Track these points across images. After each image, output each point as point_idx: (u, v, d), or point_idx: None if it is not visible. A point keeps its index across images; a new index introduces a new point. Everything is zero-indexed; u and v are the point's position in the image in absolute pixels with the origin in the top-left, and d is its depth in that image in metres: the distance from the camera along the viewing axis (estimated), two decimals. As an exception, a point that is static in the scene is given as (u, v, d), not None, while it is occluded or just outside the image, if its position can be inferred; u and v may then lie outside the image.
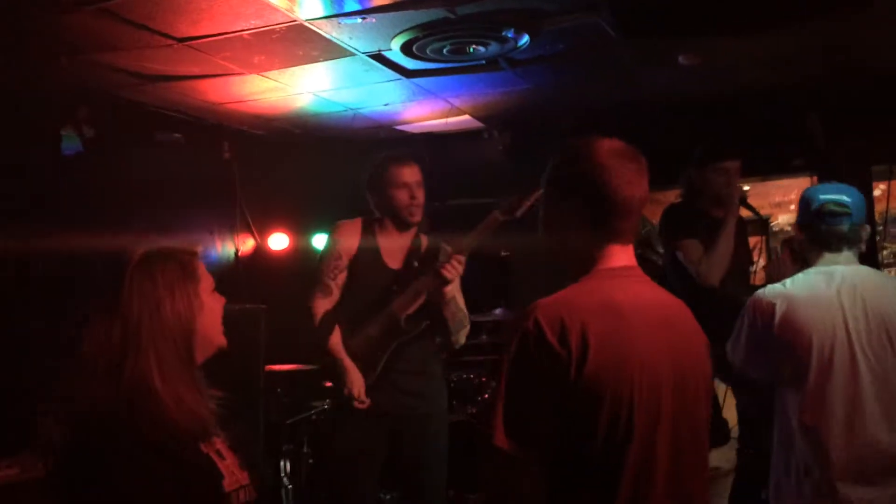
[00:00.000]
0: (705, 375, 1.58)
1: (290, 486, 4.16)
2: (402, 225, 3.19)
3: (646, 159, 1.60)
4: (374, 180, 3.21)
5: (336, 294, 3.14)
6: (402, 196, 3.13)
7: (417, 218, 3.16)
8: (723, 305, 3.26)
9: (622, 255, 1.55)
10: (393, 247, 3.19)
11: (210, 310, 1.64)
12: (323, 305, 3.13)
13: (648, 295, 1.56)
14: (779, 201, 7.64)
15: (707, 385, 1.58)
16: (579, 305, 1.44)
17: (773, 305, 2.33)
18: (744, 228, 3.66)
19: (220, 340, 1.68)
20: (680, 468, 1.46)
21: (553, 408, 1.37)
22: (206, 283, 1.65)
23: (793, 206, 7.72)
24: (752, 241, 4.80)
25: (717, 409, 4.42)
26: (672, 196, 7.46)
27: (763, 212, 7.53)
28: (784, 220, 7.86)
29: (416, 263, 3.13)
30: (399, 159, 3.20)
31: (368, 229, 3.21)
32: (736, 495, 3.40)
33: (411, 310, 3.06)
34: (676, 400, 1.47)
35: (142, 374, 1.48)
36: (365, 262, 3.15)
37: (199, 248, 1.68)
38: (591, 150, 1.56)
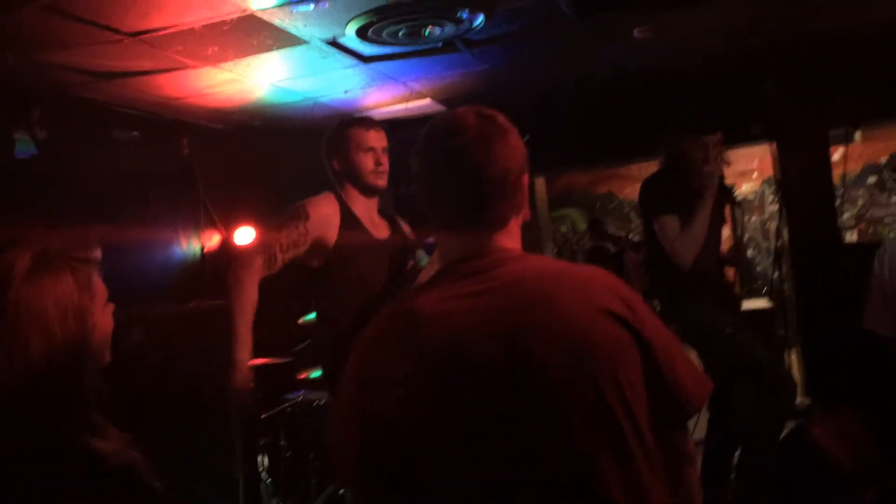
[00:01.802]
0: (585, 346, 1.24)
1: (270, 480, 4.15)
2: (367, 191, 2.97)
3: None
4: (335, 144, 2.98)
5: (278, 269, 2.81)
6: (367, 161, 2.93)
7: (383, 184, 2.97)
8: (693, 279, 3.31)
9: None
10: (371, 216, 3.00)
11: (102, 329, 1.43)
12: (257, 278, 2.76)
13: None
14: (741, 170, 7.75)
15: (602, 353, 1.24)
16: None
17: None
18: (721, 199, 3.67)
19: (105, 359, 1.45)
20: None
21: None
22: (101, 296, 1.45)
23: (755, 175, 7.85)
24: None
25: None
26: (635, 170, 7.54)
27: (727, 181, 7.67)
28: (747, 188, 7.97)
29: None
30: (364, 122, 3.01)
31: (342, 203, 2.94)
32: (706, 464, 3.44)
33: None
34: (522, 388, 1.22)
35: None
36: (354, 238, 2.88)
37: (96, 254, 1.44)
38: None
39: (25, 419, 1.27)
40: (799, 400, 5.03)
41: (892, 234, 7.01)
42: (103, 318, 1.43)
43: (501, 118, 1.40)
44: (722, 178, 3.46)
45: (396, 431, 1.23)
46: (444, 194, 1.36)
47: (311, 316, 3.64)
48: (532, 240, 5.58)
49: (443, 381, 1.23)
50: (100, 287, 1.43)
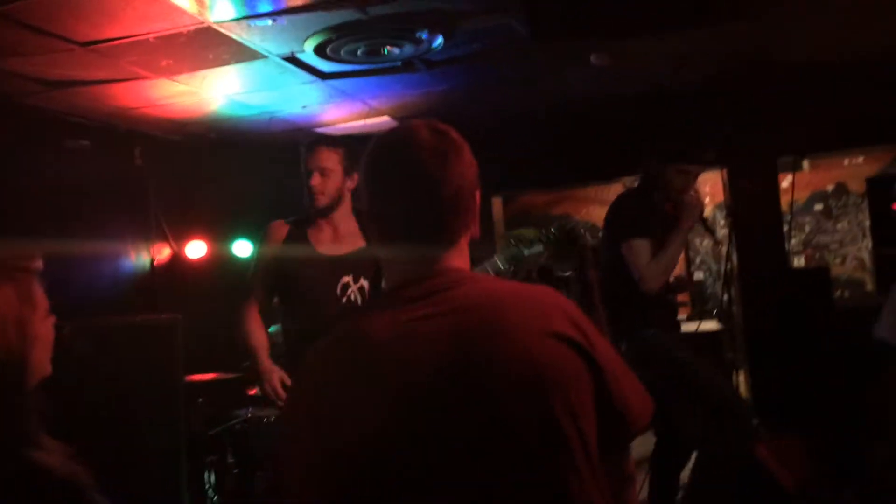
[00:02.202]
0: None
1: (216, 498, 4.08)
2: (312, 210, 2.98)
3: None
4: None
5: (262, 298, 3.04)
6: (307, 181, 2.92)
7: (317, 204, 2.92)
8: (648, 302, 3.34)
9: None
10: (330, 234, 3.00)
11: (43, 341, 1.40)
12: (251, 309, 3.02)
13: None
14: (696, 194, 7.89)
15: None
16: None
17: None
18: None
19: (46, 371, 1.42)
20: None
21: None
22: (42, 307, 1.41)
23: (707, 199, 8.00)
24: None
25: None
26: (592, 192, 7.60)
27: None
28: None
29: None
30: (310, 144, 2.99)
31: (296, 225, 3.02)
32: (655, 484, 3.47)
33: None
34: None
35: None
36: (296, 256, 2.95)
37: (37, 264, 1.41)
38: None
39: None
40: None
41: (836, 261, 7.20)
42: (44, 329, 1.40)
43: (454, 133, 1.35)
44: (712, 230, 3.49)
45: (349, 457, 1.19)
46: (395, 210, 1.31)
47: (274, 328, 3.61)
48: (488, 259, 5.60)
49: (396, 407, 1.20)
50: (41, 298, 1.40)
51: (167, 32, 3.04)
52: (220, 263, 5.19)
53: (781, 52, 4.14)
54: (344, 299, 2.91)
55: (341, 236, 3.01)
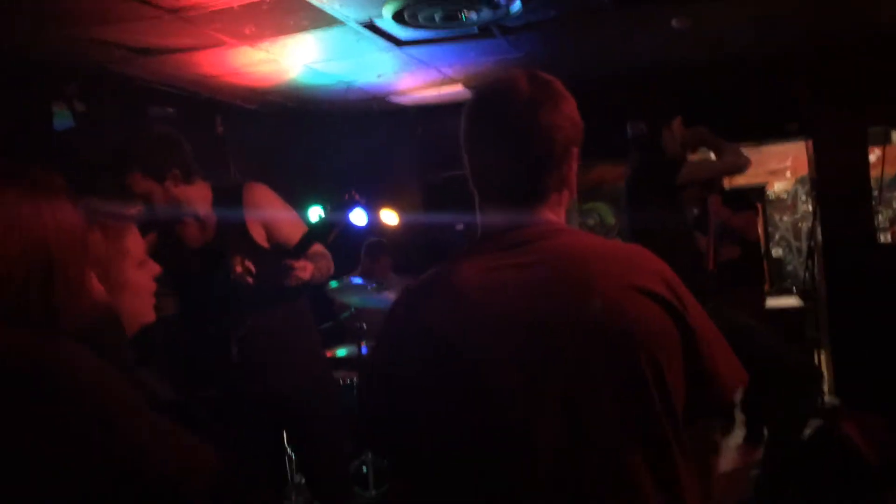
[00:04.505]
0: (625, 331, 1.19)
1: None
2: None
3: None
4: None
5: None
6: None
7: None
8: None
9: None
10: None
11: (136, 288, 1.45)
12: None
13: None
14: (774, 168, 7.64)
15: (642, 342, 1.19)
16: None
17: None
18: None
19: (145, 318, 1.47)
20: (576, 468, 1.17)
21: None
22: (134, 255, 1.45)
23: (788, 174, 7.74)
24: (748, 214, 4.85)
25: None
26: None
27: (758, 179, 7.57)
28: (780, 187, 7.87)
29: None
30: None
31: None
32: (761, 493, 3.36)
33: None
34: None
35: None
36: None
37: (130, 212, 1.47)
38: None
39: None
40: (828, 400, 4.98)
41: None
42: (137, 276, 1.44)
43: (556, 85, 1.31)
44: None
45: (431, 399, 1.21)
46: (488, 162, 1.30)
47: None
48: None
49: (478, 353, 1.20)
50: (135, 246, 1.43)
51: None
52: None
53: (871, 18, 3.95)
54: None
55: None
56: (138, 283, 1.45)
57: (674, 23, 3.70)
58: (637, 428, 1.18)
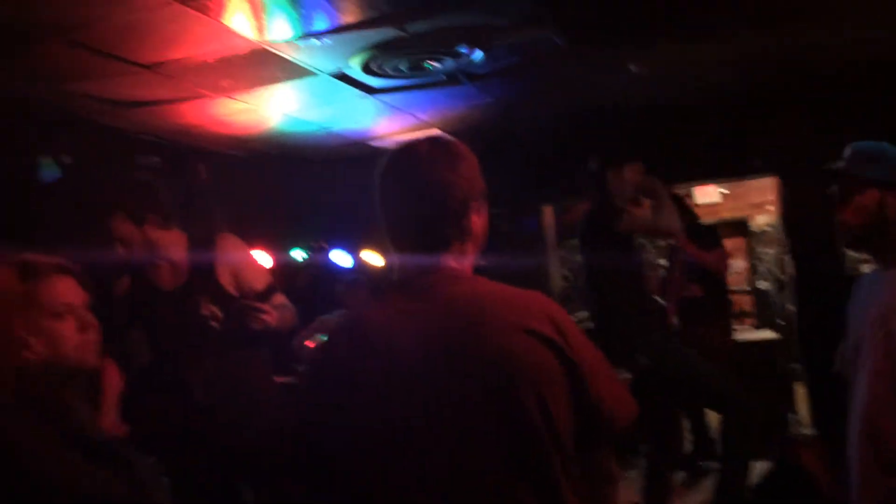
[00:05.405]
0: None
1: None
2: None
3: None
4: None
5: None
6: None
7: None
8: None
9: None
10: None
11: (52, 336, 1.52)
12: None
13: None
14: (755, 202, 7.78)
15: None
16: None
17: None
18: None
19: (84, 364, 1.58)
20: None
21: None
22: (48, 306, 1.53)
23: (770, 207, 7.86)
24: (732, 242, 4.97)
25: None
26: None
27: (741, 213, 7.67)
28: (762, 220, 7.99)
29: None
30: None
31: None
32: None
33: None
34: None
35: None
36: None
37: (58, 260, 1.57)
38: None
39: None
40: (806, 432, 5.04)
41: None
42: (53, 325, 1.54)
43: (458, 146, 1.48)
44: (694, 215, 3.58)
45: (336, 426, 1.37)
46: (393, 216, 1.47)
47: None
48: (538, 268, 5.68)
49: (381, 381, 1.35)
50: (50, 296, 1.54)
51: (224, 54, 3.26)
52: (284, 272, 5.41)
53: (828, 57, 4.10)
54: None
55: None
56: (52, 334, 1.52)
57: (632, 67, 3.86)
58: (524, 459, 1.30)
